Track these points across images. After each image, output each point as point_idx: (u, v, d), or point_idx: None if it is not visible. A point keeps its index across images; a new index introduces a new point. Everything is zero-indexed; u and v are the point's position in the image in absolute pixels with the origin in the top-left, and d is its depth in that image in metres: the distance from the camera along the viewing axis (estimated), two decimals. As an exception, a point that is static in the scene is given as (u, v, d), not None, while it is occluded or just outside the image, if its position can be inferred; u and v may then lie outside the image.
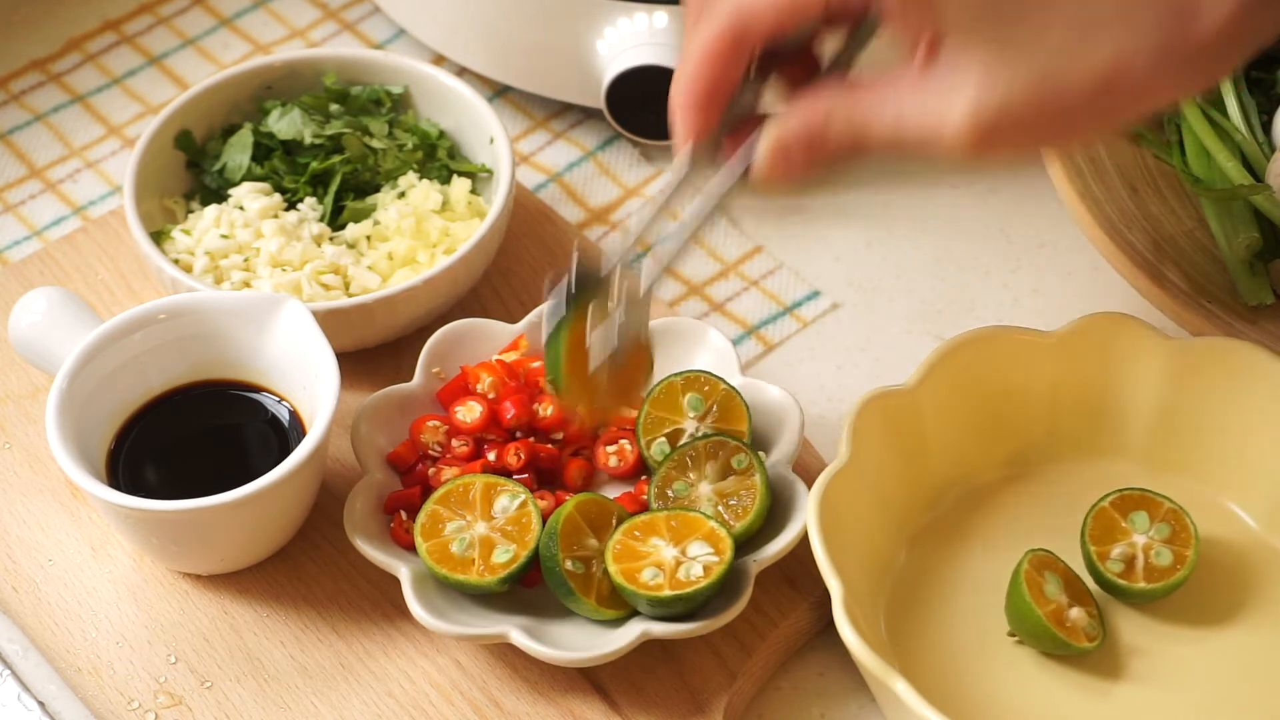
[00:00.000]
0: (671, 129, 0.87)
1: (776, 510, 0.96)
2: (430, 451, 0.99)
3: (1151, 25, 0.78)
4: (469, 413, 0.99)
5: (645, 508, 0.96)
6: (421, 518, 0.94)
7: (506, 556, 0.93)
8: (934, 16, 0.80)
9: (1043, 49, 0.78)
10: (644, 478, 0.99)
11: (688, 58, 0.85)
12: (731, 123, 0.87)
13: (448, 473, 0.98)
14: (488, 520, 0.95)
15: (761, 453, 0.97)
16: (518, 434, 1.00)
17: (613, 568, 0.92)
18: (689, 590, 0.91)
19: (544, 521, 0.95)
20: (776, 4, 0.83)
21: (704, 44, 0.84)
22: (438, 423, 1.00)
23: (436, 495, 0.95)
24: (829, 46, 0.89)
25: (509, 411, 0.99)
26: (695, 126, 0.87)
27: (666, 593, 0.91)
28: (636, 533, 0.93)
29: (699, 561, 0.92)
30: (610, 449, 1.00)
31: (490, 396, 1.00)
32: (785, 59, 0.88)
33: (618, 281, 0.90)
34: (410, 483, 0.99)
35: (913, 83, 0.81)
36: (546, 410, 1.00)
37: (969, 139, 0.80)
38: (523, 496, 0.95)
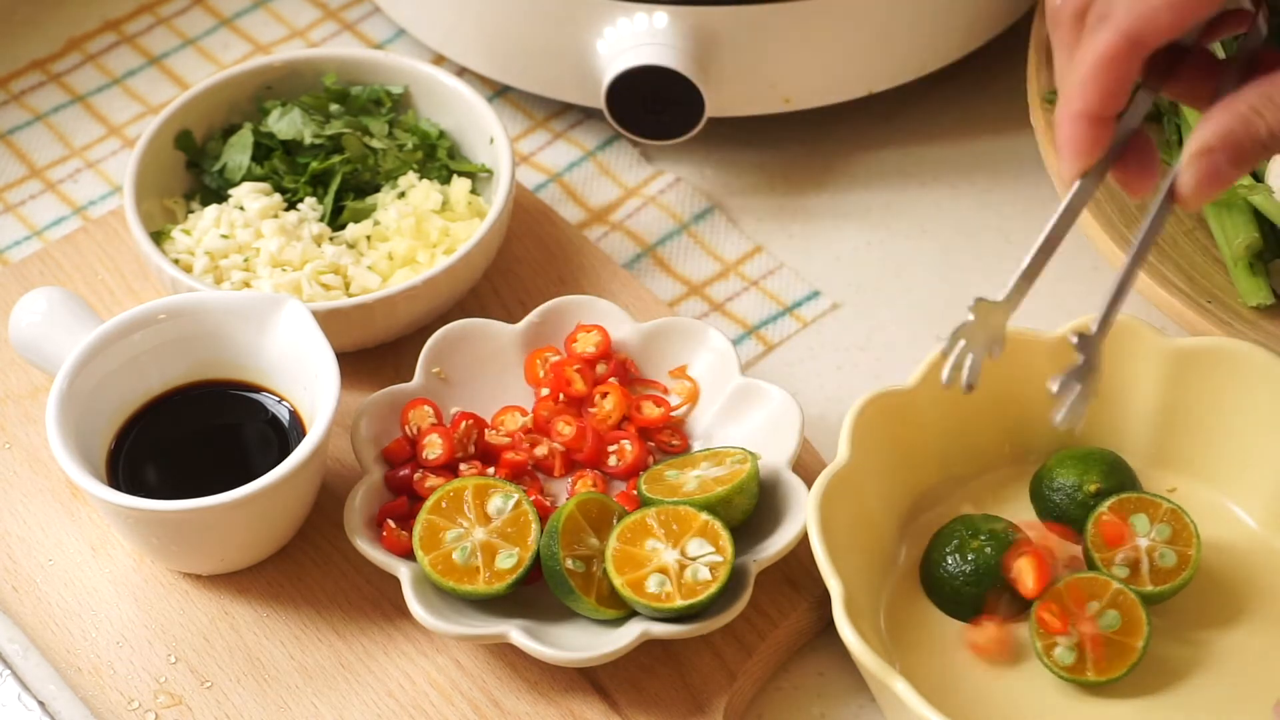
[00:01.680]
0: (1061, 148, 0.83)
1: (776, 510, 0.96)
2: (414, 436, 0.99)
3: None
4: (431, 448, 0.99)
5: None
6: (419, 529, 0.94)
7: (511, 561, 0.93)
8: None
9: None
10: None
11: (1079, 68, 0.81)
12: (1122, 138, 0.84)
13: (433, 480, 0.98)
14: (485, 524, 0.94)
15: (756, 452, 0.97)
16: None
17: (617, 580, 0.92)
18: (701, 599, 0.91)
19: (541, 520, 0.95)
20: (1175, 4, 0.79)
21: (1100, 52, 0.80)
22: (429, 408, 1.00)
23: (430, 504, 0.95)
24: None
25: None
26: (1092, 142, 0.83)
27: (679, 603, 0.91)
28: (630, 535, 0.93)
29: (702, 563, 0.92)
30: (611, 448, 1.00)
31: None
32: (1175, 63, 0.85)
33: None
34: (396, 487, 0.98)
35: None
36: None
37: None
38: (516, 496, 0.95)
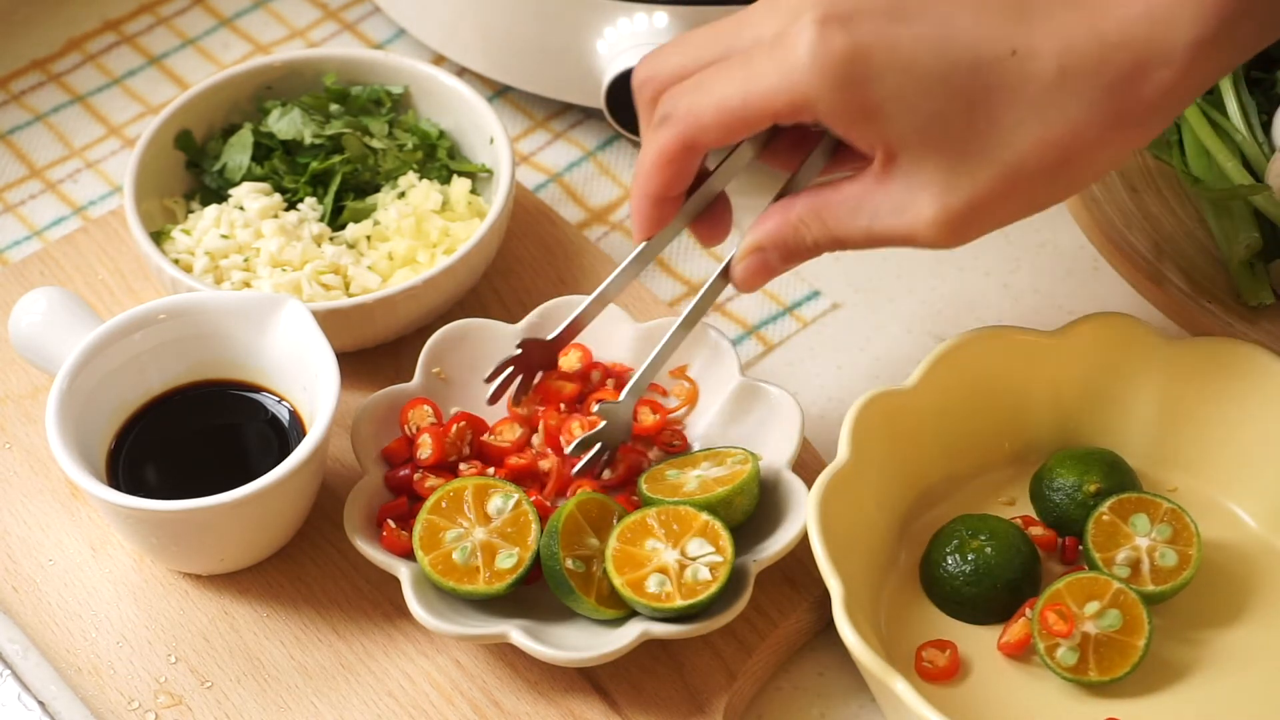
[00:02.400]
0: (632, 218, 0.94)
1: (776, 510, 0.96)
2: (412, 436, 0.99)
3: (1102, 96, 0.83)
4: (423, 449, 0.99)
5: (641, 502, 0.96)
6: (419, 529, 0.94)
7: (511, 561, 0.93)
8: (884, 139, 0.85)
9: (997, 149, 0.84)
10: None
11: (642, 162, 0.91)
12: (694, 210, 0.95)
13: (433, 480, 0.98)
14: (485, 524, 0.94)
15: (757, 453, 0.97)
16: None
17: (617, 580, 0.92)
18: (701, 599, 0.91)
19: (541, 520, 0.95)
20: (721, 122, 0.88)
21: (657, 151, 0.90)
22: (429, 408, 1.00)
23: (430, 504, 0.95)
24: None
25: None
26: (655, 219, 0.93)
27: (679, 603, 0.91)
28: (630, 535, 0.93)
29: (702, 563, 0.92)
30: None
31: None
32: (773, 136, 0.94)
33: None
34: (395, 487, 0.98)
35: (879, 186, 0.86)
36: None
37: (942, 234, 0.86)
38: (516, 496, 0.95)
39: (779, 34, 0.85)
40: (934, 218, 0.85)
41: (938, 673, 0.93)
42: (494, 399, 0.99)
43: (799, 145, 0.94)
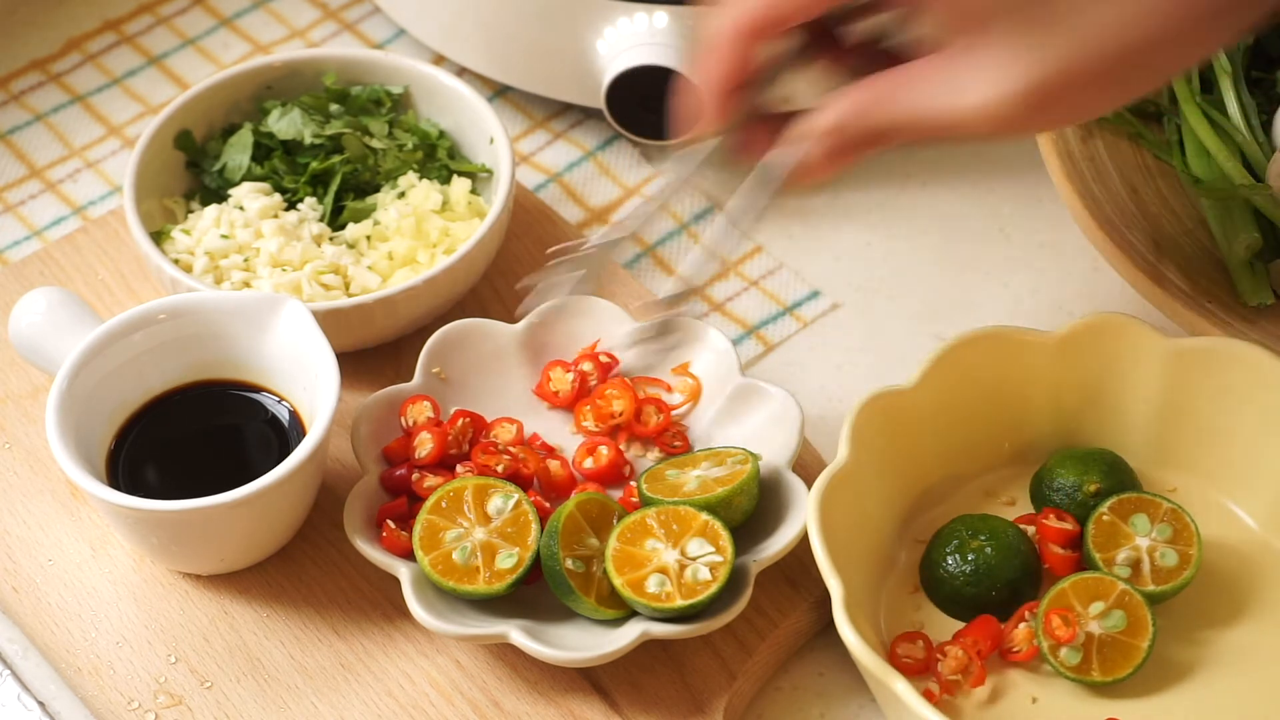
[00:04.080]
0: (686, 115, 0.86)
1: (776, 510, 0.96)
2: (410, 429, 0.99)
3: None
4: (422, 446, 0.99)
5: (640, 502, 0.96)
6: (418, 529, 0.94)
7: (511, 561, 0.93)
8: (953, 5, 0.79)
9: (1068, 26, 0.78)
10: (630, 484, 0.99)
11: (715, 36, 0.84)
12: (753, 115, 0.87)
13: (431, 479, 0.98)
14: (485, 524, 0.94)
15: (757, 453, 0.97)
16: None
17: (617, 580, 0.92)
18: (701, 599, 0.91)
19: (541, 520, 0.95)
20: None
21: (735, 21, 0.84)
22: (428, 403, 1.00)
23: (429, 504, 0.95)
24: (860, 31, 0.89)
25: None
26: (722, 110, 0.86)
27: (679, 603, 0.91)
28: (630, 535, 0.93)
29: (702, 563, 0.92)
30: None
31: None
32: (819, 50, 0.88)
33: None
34: (393, 488, 0.98)
35: (946, 65, 0.80)
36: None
37: (1000, 118, 0.79)
38: (516, 496, 0.95)
39: None
40: (996, 96, 0.79)
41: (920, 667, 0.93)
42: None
43: (840, 61, 0.89)
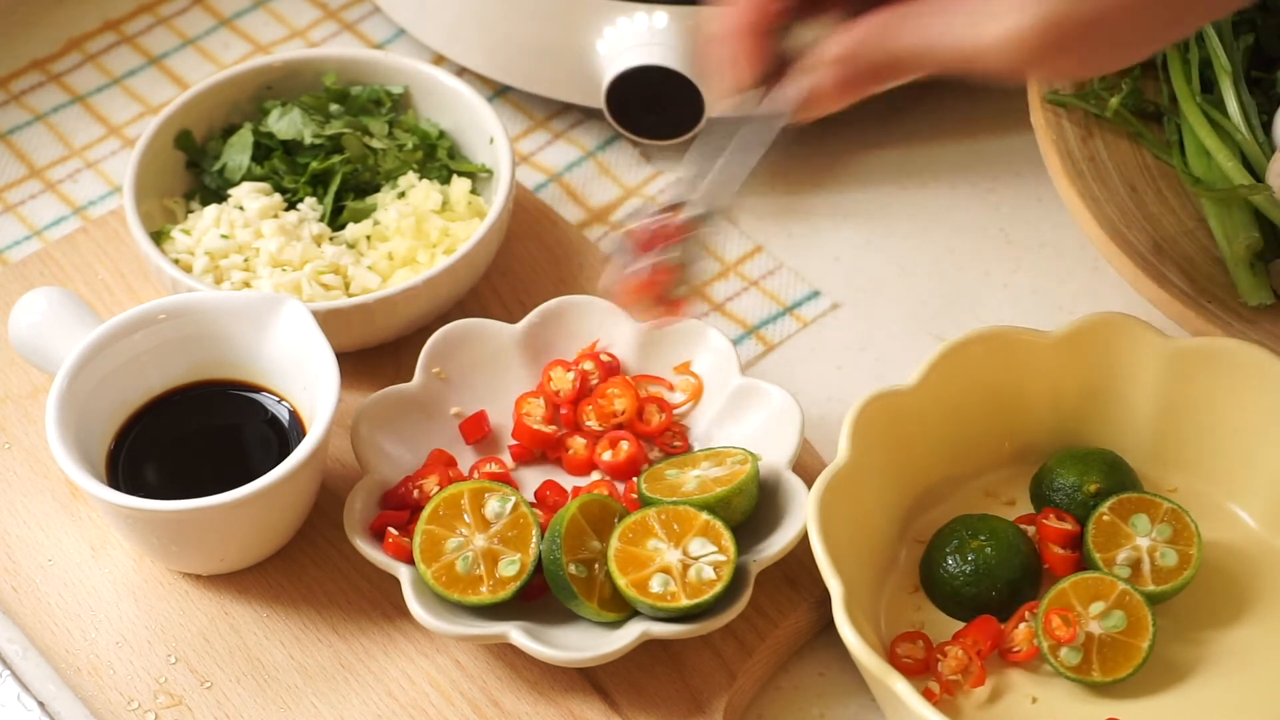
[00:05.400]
0: (717, 66, 0.85)
1: (776, 510, 0.96)
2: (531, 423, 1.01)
3: None
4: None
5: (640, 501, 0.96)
6: (419, 540, 0.94)
7: (513, 569, 0.93)
8: None
9: None
10: (632, 480, 0.99)
11: None
12: (780, 64, 0.85)
13: (429, 484, 0.98)
14: (484, 530, 0.94)
15: (757, 453, 0.97)
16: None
17: (620, 580, 0.92)
18: (706, 598, 0.91)
19: (548, 509, 0.95)
20: None
21: None
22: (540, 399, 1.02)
23: (427, 513, 0.95)
24: None
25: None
26: (752, 58, 0.85)
27: (684, 602, 0.91)
28: (631, 535, 0.93)
29: (705, 562, 0.92)
30: (606, 456, 1.01)
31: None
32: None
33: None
34: (393, 505, 0.98)
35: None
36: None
37: (1025, 52, 0.77)
38: (513, 499, 0.95)
39: None
40: (1016, 30, 0.77)
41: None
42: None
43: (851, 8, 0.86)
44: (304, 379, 0.99)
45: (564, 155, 1.20)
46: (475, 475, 1.00)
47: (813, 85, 0.83)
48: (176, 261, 1.06)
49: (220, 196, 1.10)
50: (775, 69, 0.85)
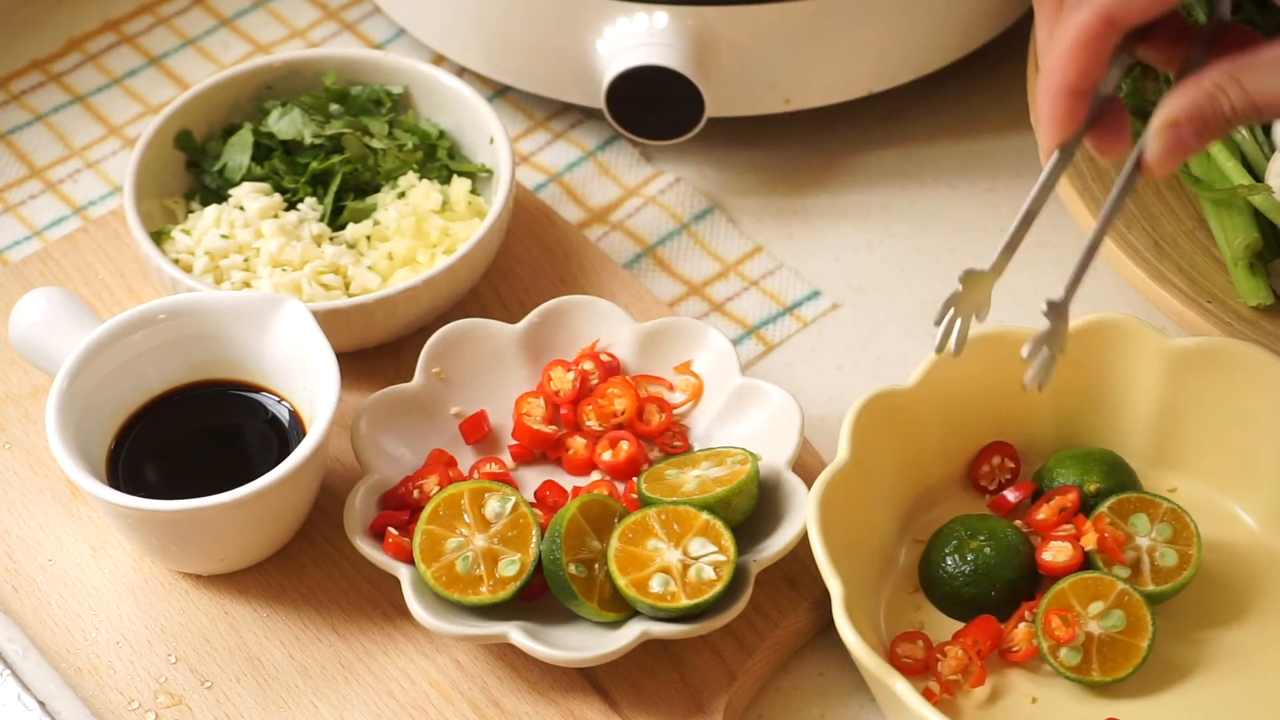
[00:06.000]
0: (1041, 121, 0.87)
1: (776, 510, 0.96)
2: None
3: None
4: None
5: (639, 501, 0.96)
6: (419, 540, 0.94)
7: (513, 569, 0.93)
8: None
9: None
10: (632, 480, 0.99)
11: (1058, 45, 0.84)
12: (1097, 105, 0.87)
13: (429, 484, 0.98)
14: (484, 530, 0.94)
15: (757, 453, 0.97)
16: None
17: (620, 581, 0.92)
18: (707, 598, 0.91)
19: (540, 522, 0.95)
20: None
21: (1077, 30, 0.83)
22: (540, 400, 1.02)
23: (427, 513, 0.95)
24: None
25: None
26: (1070, 115, 0.86)
27: (684, 602, 0.91)
28: (631, 535, 0.93)
29: (705, 562, 0.92)
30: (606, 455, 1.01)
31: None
32: (1148, 29, 0.87)
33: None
34: (393, 505, 0.98)
35: None
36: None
37: None
38: (513, 499, 0.95)
39: None
40: None
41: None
42: (943, 345, 0.89)
43: (1177, 39, 0.88)
44: (304, 379, 0.99)
45: (564, 155, 1.20)
46: (475, 475, 1.00)
47: (1169, 142, 0.84)
48: (176, 261, 1.06)
49: (220, 196, 1.10)
50: (1094, 116, 0.87)
